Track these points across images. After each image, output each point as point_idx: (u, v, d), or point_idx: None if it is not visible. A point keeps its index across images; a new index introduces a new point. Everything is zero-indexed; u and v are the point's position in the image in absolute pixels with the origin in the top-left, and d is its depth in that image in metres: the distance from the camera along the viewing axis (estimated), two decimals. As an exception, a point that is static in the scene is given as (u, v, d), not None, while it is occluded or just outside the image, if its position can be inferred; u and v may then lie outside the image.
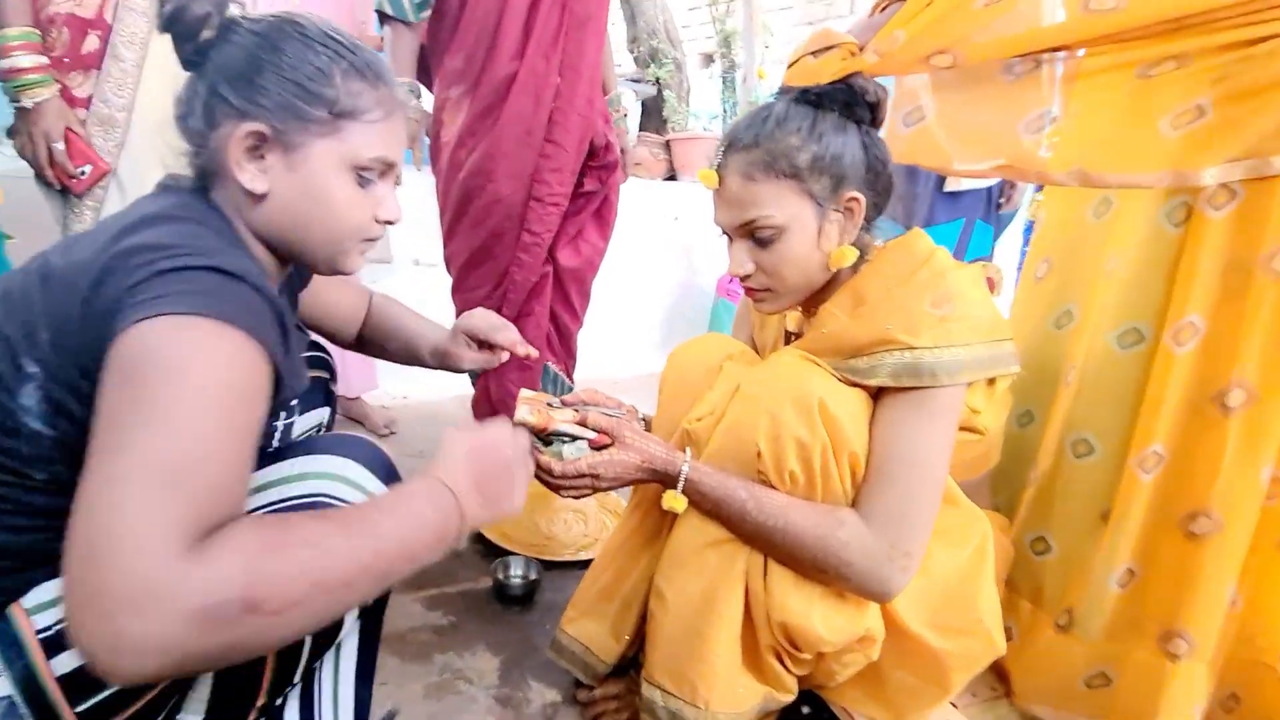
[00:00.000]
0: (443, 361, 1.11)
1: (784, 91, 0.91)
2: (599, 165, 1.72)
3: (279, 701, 0.81)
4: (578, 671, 1.06)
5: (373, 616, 0.86)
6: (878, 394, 0.87)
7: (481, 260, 1.69)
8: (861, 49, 0.92)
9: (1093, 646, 1.00)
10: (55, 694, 0.66)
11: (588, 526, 1.61)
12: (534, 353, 1.14)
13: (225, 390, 0.57)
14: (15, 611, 0.67)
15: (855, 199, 0.88)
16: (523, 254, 1.68)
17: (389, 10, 1.51)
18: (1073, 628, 1.01)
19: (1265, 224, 0.83)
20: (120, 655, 0.49)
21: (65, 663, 0.66)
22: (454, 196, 1.64)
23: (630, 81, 3.06)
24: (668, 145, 2.85)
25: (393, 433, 2.10)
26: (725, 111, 3.22)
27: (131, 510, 0.51)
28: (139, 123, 1.29)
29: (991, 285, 2.07)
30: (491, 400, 1.85)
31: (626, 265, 1.87)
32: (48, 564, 0.68)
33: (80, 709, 0.67)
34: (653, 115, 3.07)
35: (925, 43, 0.90)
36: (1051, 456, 1.05)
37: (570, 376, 1.90)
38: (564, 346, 1.85)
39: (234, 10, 0.73)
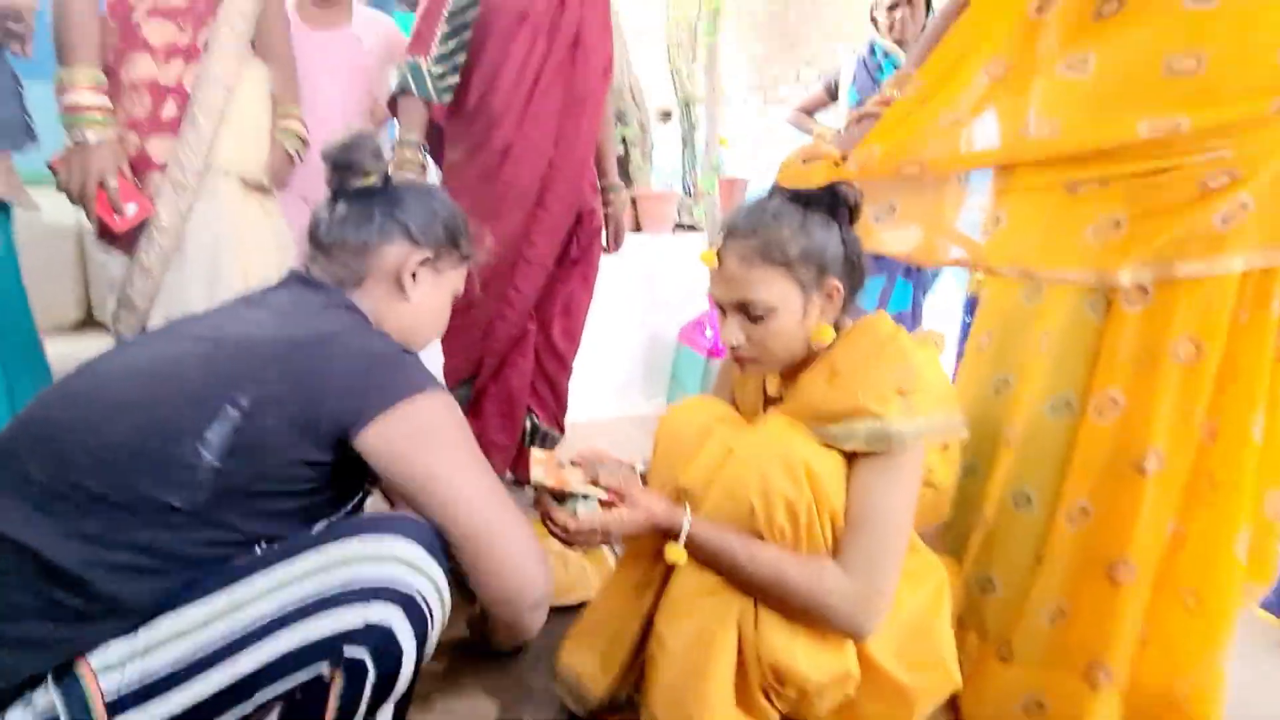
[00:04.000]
0: None
1: (778, 190, 1.04)
2: (582, 231, 1.84)
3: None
4: (569, 699, 1.14)
5: (406, 692, 0.90)
6: (851, 456, 0.99)
7: (469, 310, 1.77)
8: (843, 158, 1.07)
9: (1029, 674, 1.13)
10: None
11: (568, 572, 1.67)
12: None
13: (465, 426, 0.89)
14: (84, 672, 0.70)
15: (836, 286, 1.01)
16: (508, 308, 1.77)
17: (414, 93, 1.61)
18: (1012, 658, 1.15)
19: (1171, 317, 1.00)
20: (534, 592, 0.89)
21: None
22: None
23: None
24: (634, 201, 3.00)
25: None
26: (684, 170, 3.40)
27: (507, 519, 0.87)
28: (215, 190, 1.35)
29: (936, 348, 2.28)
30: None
31: (592, 314, 1.98)
32: (124, 619, 0.71)
33: None
34: (620, 172, 3.21)
35: (896, 156, 1.06)
36: (996, 507, 1.20)
37: (562, 424, 1.98)
38: (554, 398, 1.94)
39: (392, 174, 1.03)
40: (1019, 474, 1.18)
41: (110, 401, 0.78)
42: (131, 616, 0.72)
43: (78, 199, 1.26)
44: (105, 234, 1.33)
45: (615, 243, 2.00)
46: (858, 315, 1.08)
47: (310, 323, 0.86)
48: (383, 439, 0.80)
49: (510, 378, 1.81)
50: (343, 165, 0.97)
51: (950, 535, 1.33)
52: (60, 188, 1.27)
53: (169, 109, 1.32)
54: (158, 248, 1.32)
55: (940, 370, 1.04)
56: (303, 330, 0.84)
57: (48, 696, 0.69)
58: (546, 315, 1.85)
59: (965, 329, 2.42)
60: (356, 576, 0.75)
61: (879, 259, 2.31)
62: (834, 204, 1.01)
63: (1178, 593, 1.07)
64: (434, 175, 1.90)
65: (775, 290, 0.99)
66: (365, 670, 0.74)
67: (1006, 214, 1.11)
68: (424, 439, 0.83)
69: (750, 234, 0.99)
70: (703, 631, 0.99)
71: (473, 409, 1.87)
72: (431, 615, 0.79)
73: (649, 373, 3.09)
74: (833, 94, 2.86)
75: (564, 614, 1.43)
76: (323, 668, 0.73)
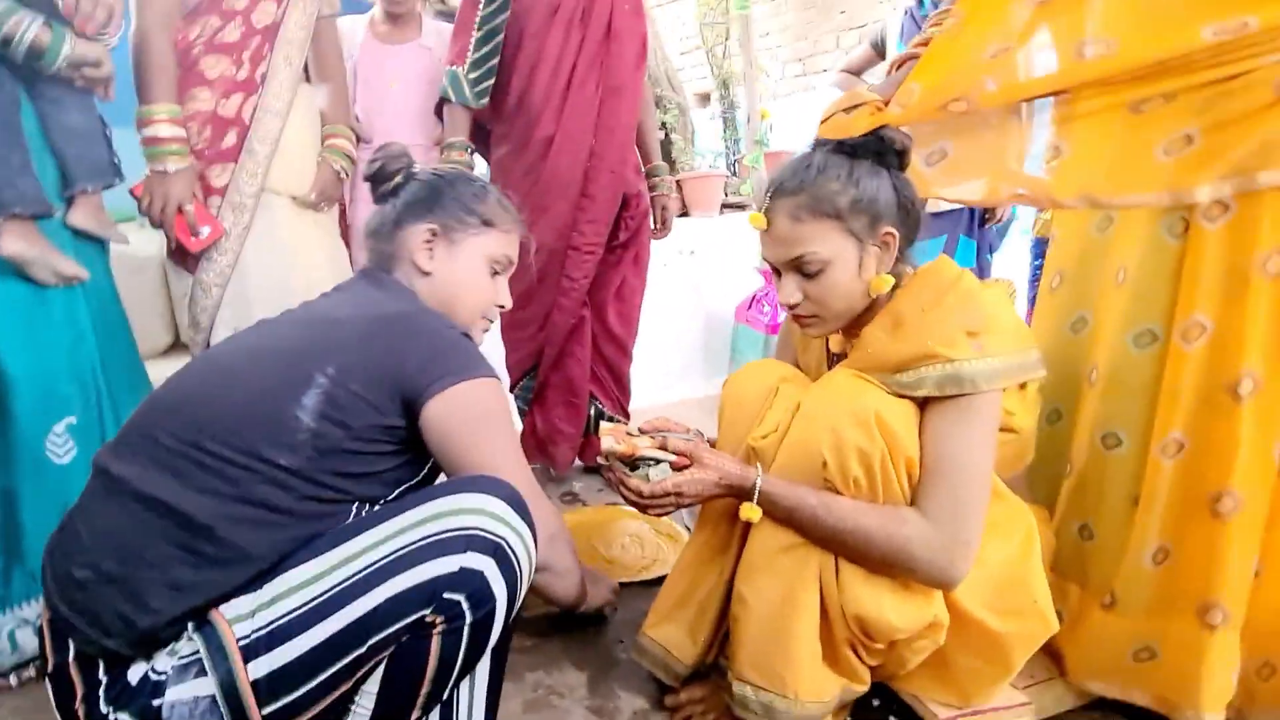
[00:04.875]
0: None
1: (820, 144, 1.03)
2: (630, 215, 1.86)
3: (425, 718, 0.90)
4: (659, 672, 1.15)
5: (501, 646, 0.95)
6: (924, 404, 0.97)
7: (527, 302, 1.82)
8: (886, 104, 1.05)
9: (1136, 622, 1.08)
10: (248, 695, 0.78)
11: (644, 550, 1.70)
12: None
13: (509, 417, 1.01)
14: (219, 620, 0.79)
15: (890, 233, 1.00)
16: (562, 298, 1.81)
17: (453, 99, 1.70)
18: (1116, 606, 1.10)
19: (1258, 231, 0.94)
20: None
21: (256, 669, 0.78)
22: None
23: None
24: (679, 185, 3.01)
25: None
26: (728, 149, 3.38)
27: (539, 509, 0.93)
28: (263, 212, 1.46)
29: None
30: (538, 435, 1.96)
31: (648, 300, 2.00)
32: (248, 567, 0.81)
33: (266, 712, 0.79)
34: (664, 157, 3.23)
35: (941, 94, 1.03)
36: (1085, 450, 1.15)
37: (626, 409, 2.01)
38: (616, 383, 1.97)
39: (417, 168, 1.15)
40: (1106, 413, 1.13)
41: (226, 376, 0.91)
42: (256, 563, 0.82)
43: (158, 222, 1.38)
44: (178, 253, 1.45)
45: (663, 226, 2.01)
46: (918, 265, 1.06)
47: (381, 304, 0.99)
48: (442, 413, 0.91)
49: (570, 366, 1.85)
50: (375, 176, 1.13)
51: (1038, 483, 1.29)
52: (142, 212, 1.39)
53: (229, 139, 1.42)
54: (217, 266, 1.43)
55: (1011, 309, 1.01)
56: (376, 310, 0.97)
57: (190, 644, 0.79)
58: (601, 301, 1.88)
59: (1035, 274, 2.32)
60: (450, 528, 0.82)
61: (939, 216, 2.27)
62: (880, 150, 0.99)
63: (1291, 521, 1.01)
64: (483, 173, 1.96)
65: (828, 243, 0.98)
66: (462, 613, 0.81)
67: (1068, 143, 1.07)
68: (475, 420, 0.93)
69: (797, 190, 0.99)
70: (784, 589, 0.99)
71: (537, 400, 1.92)
72: (519, 565, 0.85)
73: (709, 354, 3.09)
74: (880, 52, 2.68)
75: (644, 589, 1.46)
76: (424, 612, 0.80)
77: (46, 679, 0.84)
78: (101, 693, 0.80)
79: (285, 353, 0.92)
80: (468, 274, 1.10)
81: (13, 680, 1.25)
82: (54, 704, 0.83)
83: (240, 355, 0.95)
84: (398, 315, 0.96)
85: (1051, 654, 1.18)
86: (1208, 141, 0.95)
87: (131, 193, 1.39)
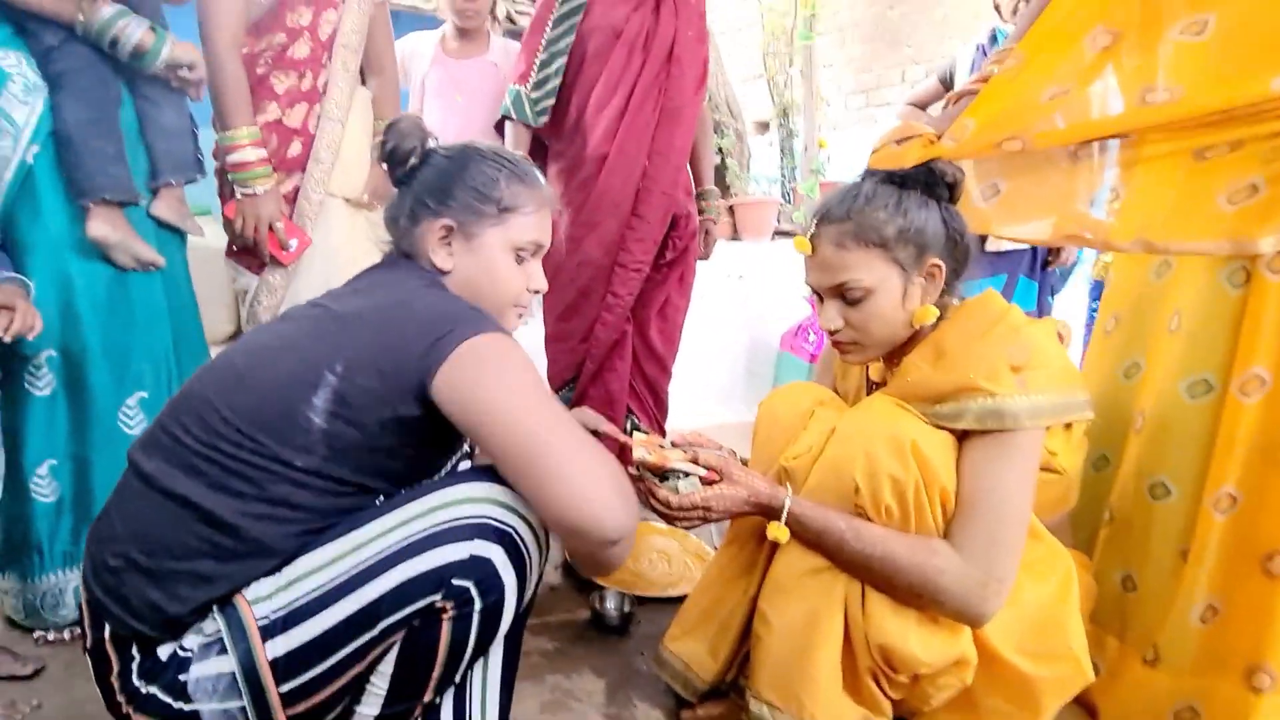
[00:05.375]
0: None
1: (870, 173, 1.04)
2: (678, 235, 1.89)
3: (438, 700, 0.93)
4: (678, 686, 1.15)
5: (515, 630, 0.98)
6: (963, 436, 0.96)
7: (571, 315, 1.85)
8: (939, 137, 1.05)
9: (1179, 680, 1.04)
10: (266, 673, 0.81)
11: (671, 567, 1.70)
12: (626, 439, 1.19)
13: (527, 364, 0.88)
14: (240, 602, 0.83)
15: (937, 265, 1.00)
16: (606, 313, 1.84)
17: (514, 116, 1.78)
18: (1159, 663, 1.06)
19: (1322, 285, 0.92)
20: (621, 520, 0.81)
21: (275, 648, 0.81)
22: (551, 258, 1.83)
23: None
24: (731, 210, 3.04)
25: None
26: (784, 177, 3.40)
27: (580, 460, 0.82)
28: (326, 211, 1.51)
29: (1060, 339, 2.13)
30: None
31: (692, 321, 2.02)
32: (271, 557, 0.84)
33: (284, 689, 0.81)
34: (717, 182, 3.28)
35: (995, 131, 1.03)
36: (1130, 498, 1.12)
37: (663, 428, 2.03)
38: (655, 401, 1.99)
39: (432, 143, 1.03)
40: (1154, 462, 1.10)
41: (241, 377, 0.88)
42: (277, 555, 0.84)
43: (251, 241, 1.43)
44: (240, 253, 1.50)
45: (707, 249, 2.03)
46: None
47: (392, 293, 0.93)
48: (449, 383, 0.83)
49: (609, 381, 1.88)
50: (388, 159, 1.01)
51: (1081, 529, 1.25)
52: (236, 234, 1.43)
53: (295, 148, 1.48)
54: (283, 268, 1.49)
55: (1058, 347, 1.00)
56: (384, 299, 0.92)
57: (214, 624, 0.82)
58: (643, 318, 1.90)
59: (1092, 316, 2.25)
60: (459, 516, 0.83)
61: (1000, 255, 2.23)
62: (930, 182, 0.99)
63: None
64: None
65: (873, 272, 0.99)
66: (471, 600, 0.82)
67: (1127, 187, 1.05)
68: (483, 373, 0.84)
69: (844, 218, 1.00)
70: (808, 611, 0.98)
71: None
72: (529, 552, 0.86)
73: (751, 379, 3.08)
74: (948, 86, 2.65)
75: (669, 605, 1.46)
76: (434, 598, 0.81)
77: (86, 653, 0.88)
78: (134, 668, 0.83)
79: (297, 353, 0.88)
80: (491, 268, 1.00)
81: (66, 635, 1.33)
82: (93, 676, 0.86)
83: (255, 354, 0.91)
84: (400, 302, 0.91)
85: (1087, 706, 1.14)
86: (1273, 192, 0.93)
87: (224, 214, 1.45)
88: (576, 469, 0.81)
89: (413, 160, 1.01)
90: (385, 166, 1.03)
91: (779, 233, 3.33)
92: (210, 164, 1.50)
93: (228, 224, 1.45)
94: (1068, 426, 0.99)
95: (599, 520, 0.79)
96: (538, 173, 1.05)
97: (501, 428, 0.82)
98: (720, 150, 3.21)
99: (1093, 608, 1.14)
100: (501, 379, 0.84)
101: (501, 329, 0.89)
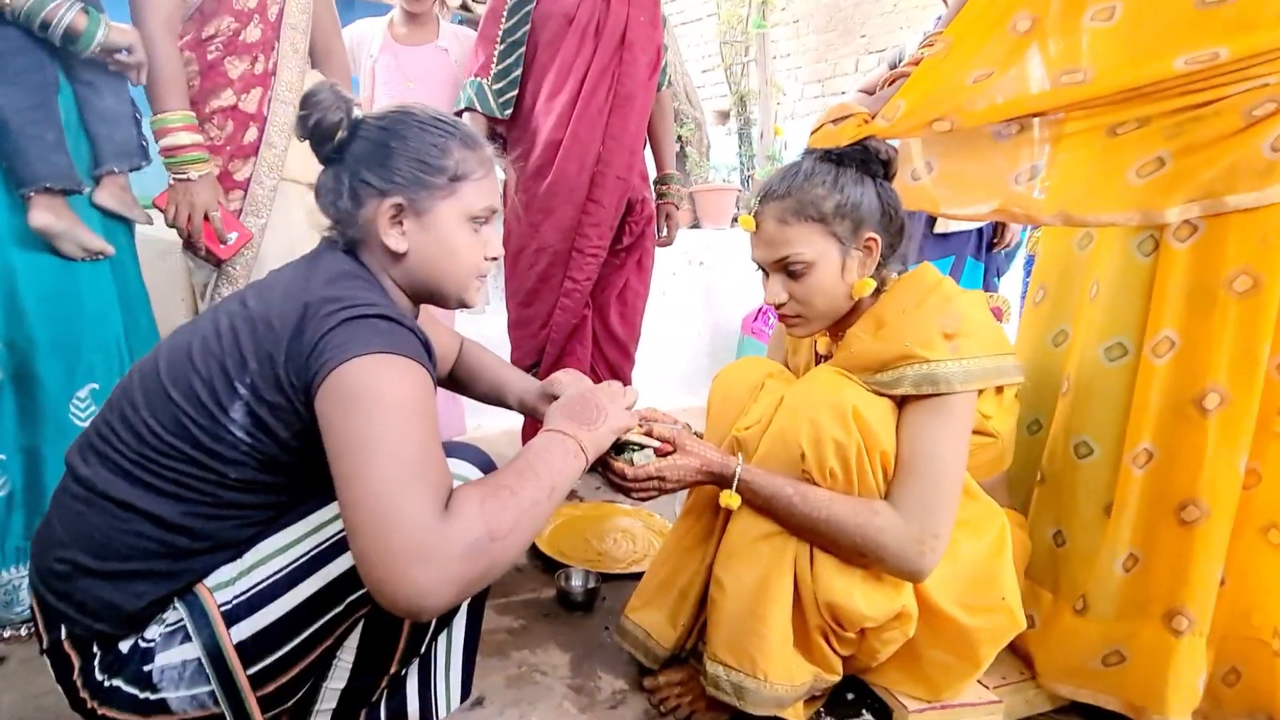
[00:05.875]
0: (528, 410, 1.24)
1: (809, 152, 1.09)
2: (634, 219, 1.92)
3: (404, 671, 0.95)
4: (639, 654, 1.19)
5: (477, 601, 1.01)
6: (901, 402, 1.02)
7: (532, 300, 1.88)
8: (873, 117, 1.10)
9: (1106, 627, 1.11)
10: (233, 658, 0.81)
11: (635, 545, 1.74)
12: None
13: (416, 402, 0.76)
14: (201, 589, 0.83)
15: (873, 239, 1.05)
16: (565, 298, 1.87)
17: (479, 110, 1.78)
18: (1087, 611, 1.13)
19: (1224, 251, 0.99)
20: (424, 597, 0.68)
21: (240, 632, 0.81)
22: (511, 244, 1.85)
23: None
24: (691, 197, 3.08)
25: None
26: (742, 164, 3.46)
27: (399, 501, 0.69)
28: (279, 200, 1.49)
29: (999, 313, 2.22)
30: (537, 429, 2.02)
31: (655, 307, 2.06)
32: (229, 549, 0.84)
33: (251, 672, 0.82)
34: (677, 170, 3.32)
35: (924, 112, 1.08)
36: (1058, 458, 1.19)
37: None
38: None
39: (358, 112, 0.91)
40: (1078, 423, 1.17)
41: (163, 386, 0.83)
42: (236, 548, 0.84)
43: (185, 231, 1.39)
44: (190, 246, 1.45)
45: (670, 234, 2.07)
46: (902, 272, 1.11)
47: (304, 294, 0.83)
48: (324, 403, 0.75)
49: (571, 365, 1.91)
50: (311, 135, 0.90)
51: (1018, 490, 1.32)
52: (168, 223, 1.40)
53: (251, 134, 1.46)
54: (243, 258, 1.46)
55: (988, 315, 1.05)
56: (290, 305, 0.82)
57: (175, 613, 0.82)
58: (603, 302, 1.94)
59: (1025, 289, 2.35)
60: None
61: (944, 238, 2.31)
62: (865, 159, 1.04)
63: (1257, 530, 1.04)
64: (500, 177, 2.04)
65: (813, 245, 1.03)
66: None
67: (1052, 164, 1.11)
68: (350, 404, 0.74)
69: (785, 195, 1.04)
70: (760, 574, 1.03)
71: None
72: None
73: (713, 364, 3.13)
74: None
75: (634, 581, 1.50)
76: None
77: (43, 654, 0.85)
78: (96, 664, 0.82)
79: (213, 357, 0.82)
80: (450, 244, 0.91)
81: (23, 631, 1.31)
82: (54, 677, 0.85)
83: (176, 364, 0.84)
84: (304, 307, 0.80)
85: (1024, 657, 1.21)
86: (1178, 165, 0.99)
87: (156, 205, 1.41)
88: (376, 531, 0.69)
89: (340, 134, 0.89)
90: (310, 143, 0.92)
91: (738, 219, 3.38)
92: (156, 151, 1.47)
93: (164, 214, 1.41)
94: (999, 390, 1.06)
95: (380, 586, 0.69)
96: (476, 132, 0.97)
97: (345, 469, 0.73)
98: (680, 139, 3.24)
99: (1028, 563, 1.20)
100: (368, 415, 0.73)
101: (406, 349, 0.79)
